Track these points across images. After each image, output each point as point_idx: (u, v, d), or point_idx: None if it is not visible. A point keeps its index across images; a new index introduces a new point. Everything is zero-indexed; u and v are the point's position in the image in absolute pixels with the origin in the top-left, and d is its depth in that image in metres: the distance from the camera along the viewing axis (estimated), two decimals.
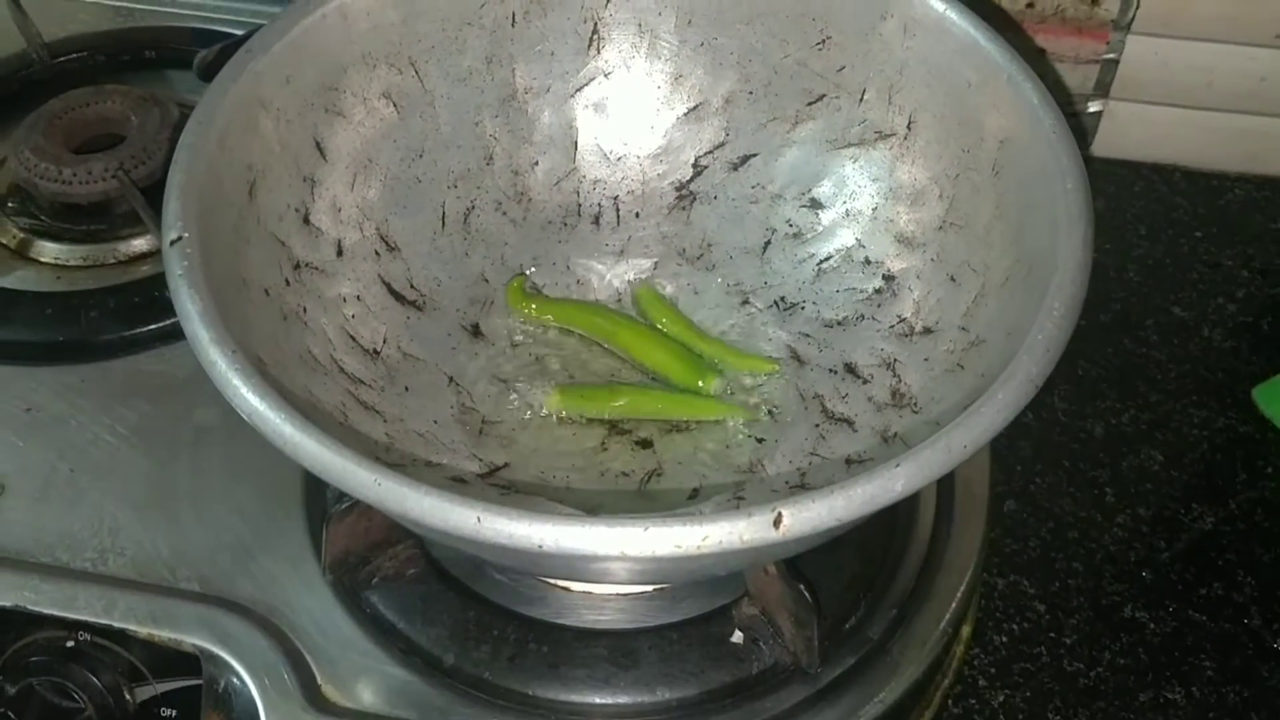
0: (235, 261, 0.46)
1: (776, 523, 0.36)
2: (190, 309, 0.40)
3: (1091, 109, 0.74)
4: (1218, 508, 0.60)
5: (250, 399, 0.38)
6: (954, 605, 0.50)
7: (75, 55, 0.70)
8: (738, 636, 0.48)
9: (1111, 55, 0.71)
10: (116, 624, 0.49)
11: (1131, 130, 0.74)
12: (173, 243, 0.42)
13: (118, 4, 0.73)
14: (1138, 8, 0.69)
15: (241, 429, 0.55)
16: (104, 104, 0.65)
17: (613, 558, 0.36)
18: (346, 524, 0.48)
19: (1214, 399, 0.64)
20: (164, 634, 0.49)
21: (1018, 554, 0.58)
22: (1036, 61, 0.71)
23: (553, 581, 0.50)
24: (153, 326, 0.59)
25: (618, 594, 0.50)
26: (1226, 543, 0.58)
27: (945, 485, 0.55)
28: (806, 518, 0.36)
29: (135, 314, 0.59)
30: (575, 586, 0.50)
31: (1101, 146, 0.75)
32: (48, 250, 0.62)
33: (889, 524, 0.53)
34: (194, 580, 0.51)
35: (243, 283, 0.46)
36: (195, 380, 0.57)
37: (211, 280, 0.42)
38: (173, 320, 0.57)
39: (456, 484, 0.47)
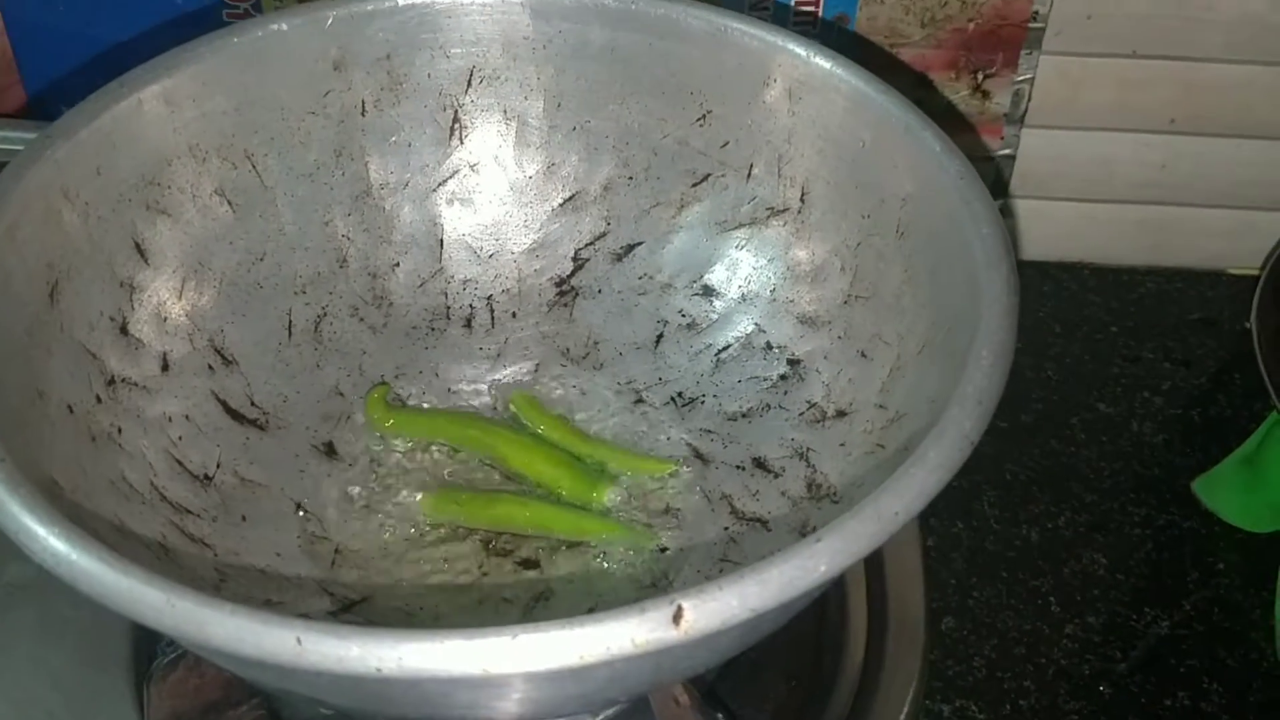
0: (28, 371, 0.39)
1: (676, 618, 0.29)
2: None
3: None
4: (1172, 610, 0.56)
5: (14, 512, 0.30)
6: None
7: None
8: None
9: (1007, 151, 0.69)
10: None
11: (1034, 229, 0.72)
12: None
13: None
14: (1029, 100, 0.67)
15: (58, 586, 0.48)
16: None
17: (474, 679, 0.28)
18: (172, 682, 0.41)
19: (1152, 495, 0.61)
20: None
21: (961, 676, 0.53)
22: None
23: None
24: None
25: None
26: (1186, 648, 0.54)
27: (877, 603, 0.49)
28: (713, 610, 0.29)
29: None
30: None
31: None
32: None
33: (816, 645, 0.47)
34: None
35: (38, 395, 0.39)
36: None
37: None
38: None
39: None
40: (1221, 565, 0.57)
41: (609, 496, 0.47)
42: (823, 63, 0.47)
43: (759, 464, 0.47)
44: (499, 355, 0.52)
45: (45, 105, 0.69)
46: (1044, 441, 0.63)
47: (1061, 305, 0.70)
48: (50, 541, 0.31)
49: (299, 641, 0.28)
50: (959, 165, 0.42)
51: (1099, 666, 0.53)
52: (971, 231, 0.40)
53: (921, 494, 0.32)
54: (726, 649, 0.35)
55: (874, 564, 0.50)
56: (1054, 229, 0.72)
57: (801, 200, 0.49)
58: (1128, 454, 0.62)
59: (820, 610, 0.49)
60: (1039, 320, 0.70)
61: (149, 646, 0.46)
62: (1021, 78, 0.66)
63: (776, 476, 0.46)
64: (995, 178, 0.70)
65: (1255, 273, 0.71)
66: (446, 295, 0.53)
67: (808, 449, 0.46)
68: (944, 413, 0.34)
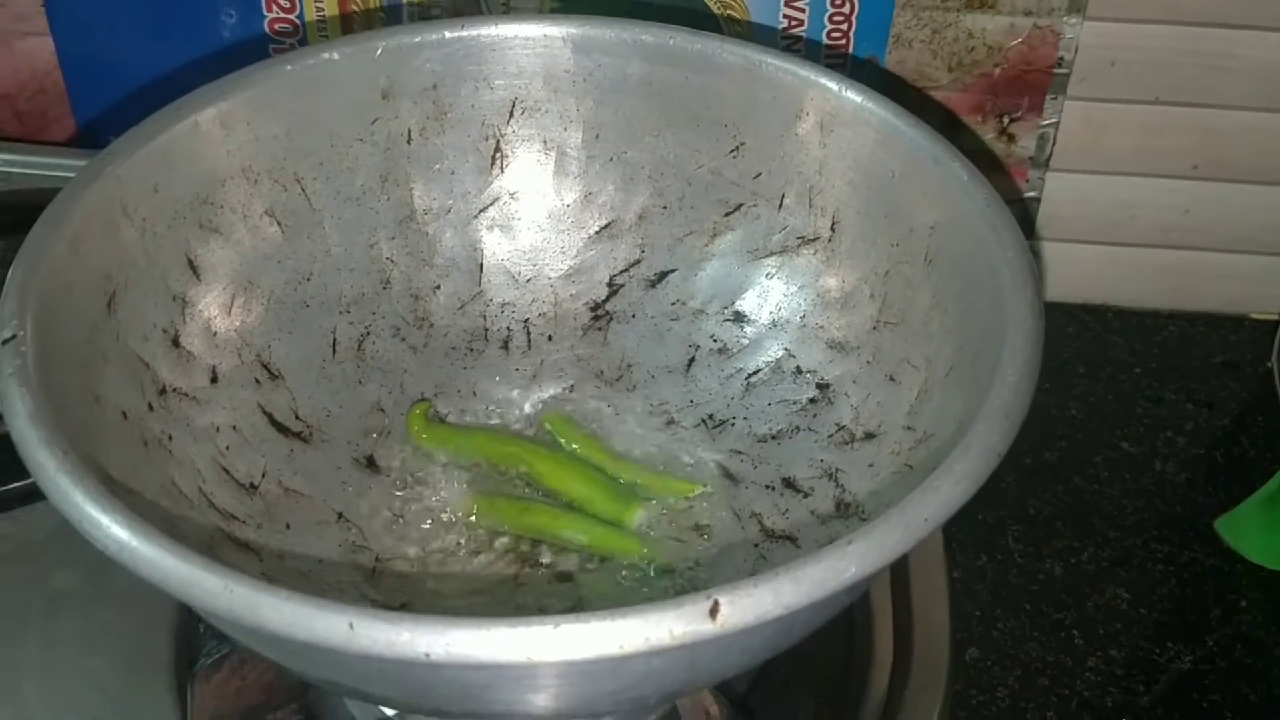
0: (87, 376, 0.41)
1: (713, 612, 0.30)
2: (19, 407, 0.35)
3: None
4: (1195, 646, 0.56)
5: (79, 501, 0.32)
6: None
7: None
8: None
9: (1033, 193, 0.70)
10: None
11: (1059, 270, 0.73)
12: (5, 342, 0.37)
13: None
14: (1054, 144, 0.68)
15: (104, 593, 0.50)
16: None
17: (518, 667, 0.29)
18: (215, 683, 0.42)
19: (1175, 533, 0.61)
20: None
21: (985, 705, 0.53)
22: None
23: None
24: (10, 486, 0.53)
25: None
26: (1209, 683, 0.54)
27: (902, 628, 0.50)
28: (748, 605, 0.30)
29: None
30: None
31: None
32: None
33: (844, 665, 0.48)
34: None
35: (95, 400, 0.41)
36: (54, 541, 0.52)
37: (52, 387, 0.37)
38: (28, 481, 0.52)
39: None
40: (1244, 603, 0.57)
41: (639, 516, 0.48)
42: (854, 96, 0.48)
43: (788, 484, 0.48)
44: (535, 376, 0.53)
45: (95, 135, 0.72)
46: (1068, 479, 0.63)
47: (1086, 346, 0.71)
48: (113, 529, 0.32)
49: (351, 626, 0.29)
50: (985, 194, 0.43)
51: (1121, 699, 0.53)
52: (998, 257, 0.41)
53: (948, 503, 0.33)
54: (759, 649, 0.35)
55: (900, 588, 0.51)
56: (1078, 271, 0.72)
57: (832, 229, 0.51)
58: (1150, 492, 0.62)
59: (847, 633, 0.49)
60: (1063, 361, 0.71)
61: (190, 652, 0.47)
62: (1046, 122, 0.67)
63: (806, 496, 0.47)
64: (1021, 219, 0.70)
65: (1277, 317, 0.72)
66: (485, 317, 0.54)
67: (836, 469, 0.47)
68: (971, 428, 0.35)
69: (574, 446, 0.51)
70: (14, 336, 0.37)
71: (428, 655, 0.29)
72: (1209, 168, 0.68)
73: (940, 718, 0.47)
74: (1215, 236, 0.70)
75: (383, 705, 0.42)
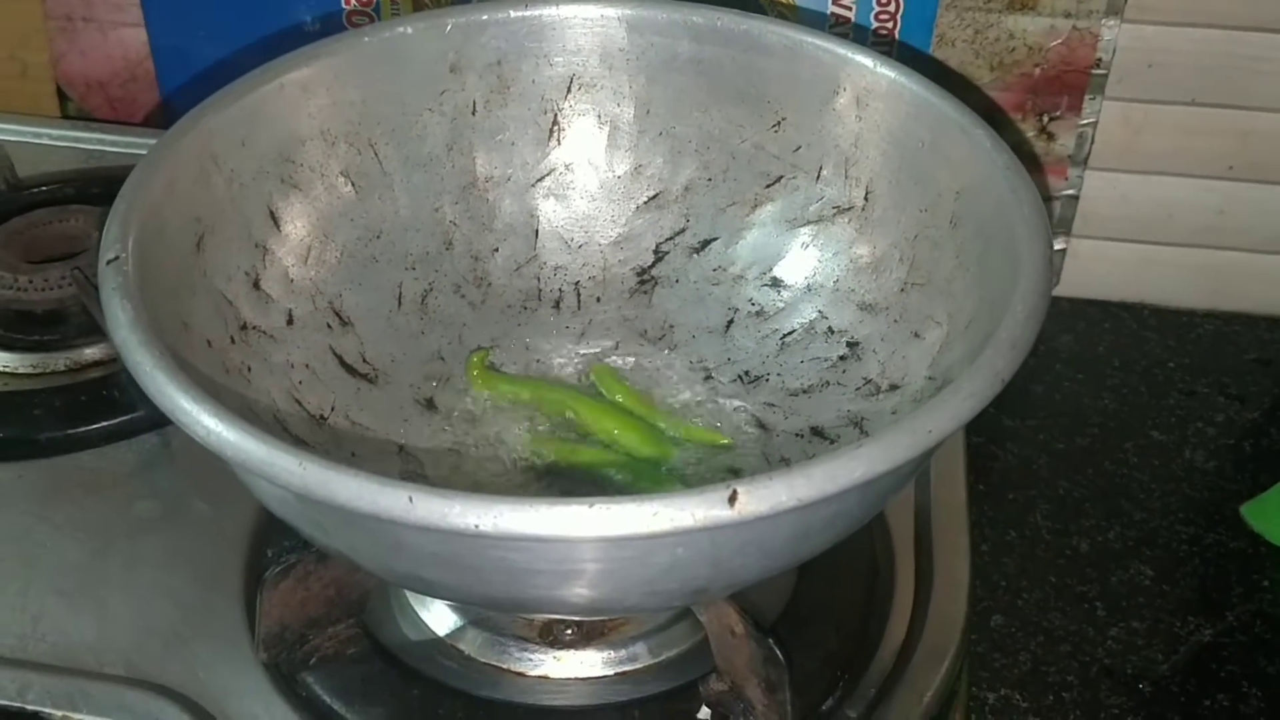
0: (177, 304, 0.45)
1: (731, 500, 0.33)
2: (121, 317, 0.39)
3: (1056, 247, 0.75)
4: (1215, 620, 0.57)
5: (172, 394, 0.36)
6: (936, 683, 0.47)
7: (44, 187, 0.70)
8: (705, 713, 0.44)
9: (1071, 191, 0.72)
10: (30, 706, 0.45)
11: (1096, 268, 0.74)
12: (109, 262, 0.41)
13: (91, 147, 0.74)
14: (1093, 142, 0.69)
15: (182, 520, 0.54)
16: (66, 222, 0.65)
17: (555, 540, 0.33)
18: (282, 591, 0.45)
19: (1201, 516, 0.62)
20: (82, 718, 0.45)
21: (1008, 668, 0.55)
22: None
23: (503, 665, 0.46)
24: (97, 425, 0.57)
25: (576, 677, 0.47)
26: (1227, 654, 0.55)
27: (923, 579, 0.52)
28: (763, 495, 0.33)
29: (79, 412, 0.57)
30: (530, 670, 0.46)
31: (1068, 286, 0.74)
32: None
33: (865, 607, 0.50)
34: (119, 665, 0.48)
35: (184, 326, 0.45)
36: (137, 475, 0.56)
37: (149, 304, 0.41)
38: (119, 419, 0.57)
39: None
40: (1266, 583, 0.58)
41: (676, 456, 0.51)
42: (888, 72, 0.52)
43: (816, 432, 0.51)
44: (583, 334, 0.57)
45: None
46: (1098, 463, 0.65)
47: (1121, 342, 0.72)
48: (202, 416, 0.36)
49: (411, 500, 0.33)
50: (1006, 159, 0.46)
51: (1141, 667, 0.55)
52: (1015, 214, 0.44)
53: (954, 417, 0.36)
54: (778, 551, 0.38)
55: (923, 541, 0.53)
56: (1115, 269, 0.74)
57: (865, 199, 0.53)
58: (1179, 477, 0.64)
59: (870, 579, 0.52)
60: (1098, 355, 0.72)
61: (258, 573, 0.50)
62: (1085, 121, 0.69)
63: (831, 442, 0.50)
64: (1059, 217, 0.72)
65: None
66: (539, 279, 0.57)
67: (861, 418, 0.50)
68: (980, 354, 0.38)
69: (616, 396, 0.54)
70: (117, 258, 0.41)
71: (477, 526, 0.33)
72: (1245, 169, 0.69)
73: (953, 668, 0.49)
74: (1251, 237, 0.71)
75: (436, 593, 0.45)
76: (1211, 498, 0.63)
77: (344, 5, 0.70)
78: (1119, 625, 0.57)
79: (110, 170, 0.73)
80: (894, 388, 0.49)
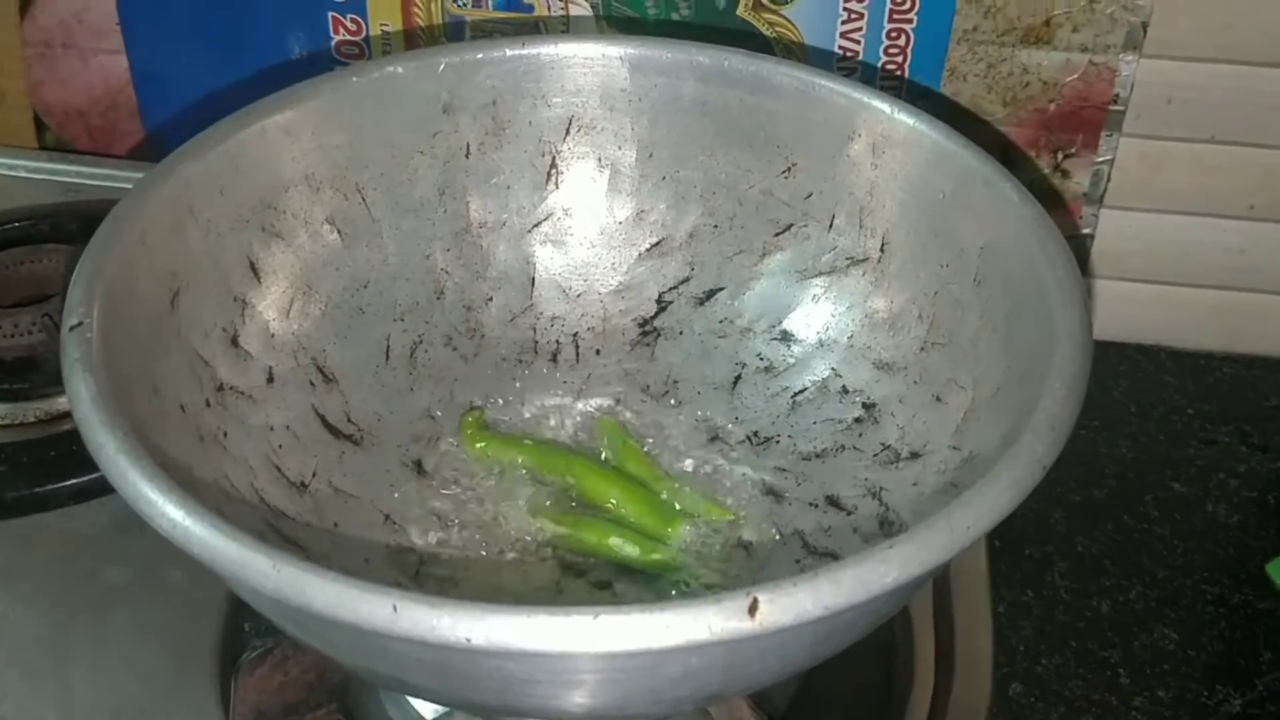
0: (148, 367, 0.42)
1: (752, 610, 0.30)
2: (83, 391, 0.36)
3: None
4: (1244, 689, 0.54)
5: (135, 480, 0.33)
6: None
7: (17, 223, 0.67)
8: None
9: (1087, 230, 0.70)
10: None
11: (1112, 309, 0.72)
12: (72, 328, 0.38)
13: (69, 180, 0.71)
14: (1109, 180, 0.67)
15: (154, 589, 0.51)
16: (39, 262, 0.63)
17: (556, 657, 0.30)
18: (259, 676, 0.42)
19: (1226, 575, 0.59)
20: None
21: None
22: None
23: None
24: (67, 483, 0.54)
25: None
26: None
27: (945, 651, 0.49)
28: (787, 604, 0.30)
29: (48, 469, 0.55)
30: None
31: None
32: None
33: (884, 688, 0.48)
34: None
35: (154, 391, 0.42)
36: (107, 537, 0.53)
37: (115, 375, 0.38)
38: (87, 477, 0.54)
39: None
40: None
41: (682, 532, 0.48)
42: (906, 119, 0.49)
43: (832, 502, 0.48)
44: (582, 389, 0.54)
45: (162, 152, 0.73)
46: (1117, 517, 0.62)
47: (1138, 386, 0.70)
48: (168, 509, 0.33)
49: (395, 609, 0.30)
50: (1035, 214, 0.44)
51: None
52: (1047, 276, 0.41)
53: (993, 511, 0.33)
54: (796, 655, 0.35)
55: (943, 614, 0.51)
56: (1132, 310, 0.71)
57: (881, 250, 0.51)
58: (1201, 533, 0.61)
59: (888, 657, 0.49)
60: (1114, 399, 0.70)
61: (235, 649, 0.47)
62: (1101, 159, 0.67)
63: (849, 514, 0.47)
64: (1075, 256, 0.70)
65: None
66: (535, 330, 0.55)
67: (880, 488, 0.47)
68: (1018, 439, 0.35)
69: (621, 456, 0.51)
70: (80, 324, 0.38)
71: (469, 640, 0.30)
72: (1266, 208, 0.67)
73: None
74: (1272, 278, 0.69)
75: (423, 697, 0.42)
76: (1236, 554, 0.60)
77: (333, 35, 0.67)
78: (1143, 695, 0.54)
79: (88, 205, 0.69)
80: (915, 456, 0.46)
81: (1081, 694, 0.54)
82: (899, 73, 0.65)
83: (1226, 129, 0.65)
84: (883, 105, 0.49)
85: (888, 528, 0.45)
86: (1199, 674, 0.55)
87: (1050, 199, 0.68)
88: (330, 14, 0.66)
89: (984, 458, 0.42)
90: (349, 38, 0.67)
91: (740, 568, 0.47)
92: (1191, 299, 0.71)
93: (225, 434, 0.45)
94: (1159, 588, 0.59)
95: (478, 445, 0.51)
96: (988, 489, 0.33)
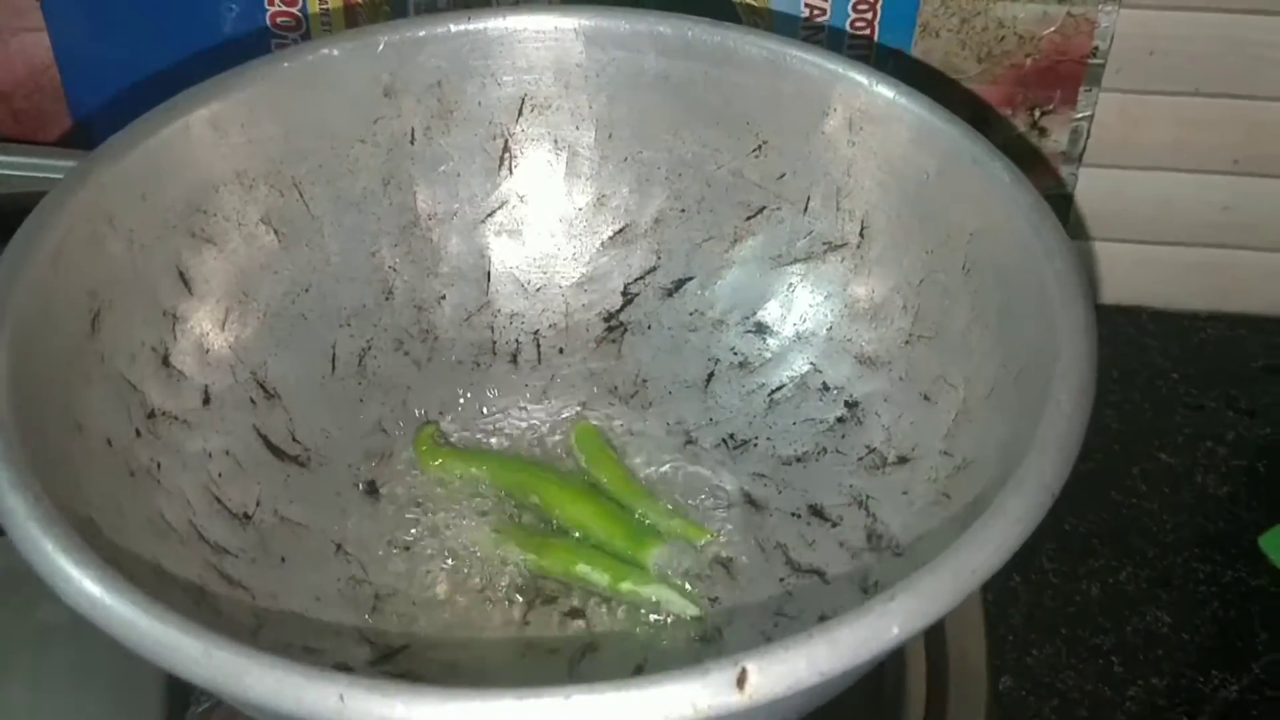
0: (67, 402, 0.38)
1: (740, 682, 0.27)
2: None
3: None
4: (1241, 673, 0.53)
5: (50, 553, 0.29)
6: None
7: None
8: None
9: (1065, 190, 0.67)
10: None
11: (1092, 271, 0.70)
12: None
13: None
14: (1088, 138, 0.65)
15: (93, 627, 0.47)
16: None
17: None
18: None
19: (1218, 551, 0.58)
20: None
21: None
22: None
23: None
24: None
25: None
26: (1257, 714, 0.51)
27: (936, 659, 0.47)
28: (779, 674, 0.27)
29: None
30: None
31: None
32: None
33: (874, 703, 0.45)
34: None
35: (76, 428, 0.38)
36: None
37: (29, 418, 0.35)
38: None
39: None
40: None
41: (657, 555, 0.45)
42: (885, 91, 0.46)
43: (815, 512, 0.46)
44: (545, 392, 0.51)
45: (92, 134, 0.69)
46: (1104, 493, 0.61)
47: (1120, 350, 0.68)
48: (84, 584, 0.29)
49: (341, 699, 0.27)
50: (1030, 197, 0.41)
51: None
52: (1045, 267, 0.38)
53: (1001, 549, 0.30)
54: (786, 716, 0.33)
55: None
56: (1112, 271, 0.70)
57: (861, 234, 0.48)
58: (1191, 507, 0.60)
59: (877, 668, 0.47)
60: (1098, 366, 0.68)
61: (182, 693, 0.44)
62: (1080, 115, 0.64)
63: (834, 525, 0.44)
64: None
65: None
66: (493, 329, 0.51)
67: (867, 496, 0.45)
68: (1022, 460, 0.32)
69: (595, 467, 0.48)
70: None
71: None
72: (1250, 162, 0.65)
73: None
74: (1256, 234, 0.68)
75: None
76: (1227, 528, 0.59)
77: (267, 7, 0.63)
78: (1138, 683, 0.52)
79: (14, 198, 0.65)
80: (903, 460, 0.44)
81: (1074, 685, 0.52)
82: (869, 30, 0.62)
83: (1210, 81, 0.63)
84: (860, 77, 0.46)
85: (876, 541, 0.43)
86: (1194, 658, 0.54)
87: (1028, 158, 0.65)
88: None
89: (979, 467, 0.40)
90: (285, 8, 0.63)
91: (720, 589, 0.44)
92: (1174, 257, 0.69)
93: (159, 466, 0.41)
94: (1149, 567, 0.57)
95: (434, 462, 0.48)
96: (994, 524, 0.30)
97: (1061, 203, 0.68)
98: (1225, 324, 0.69)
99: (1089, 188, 0.67)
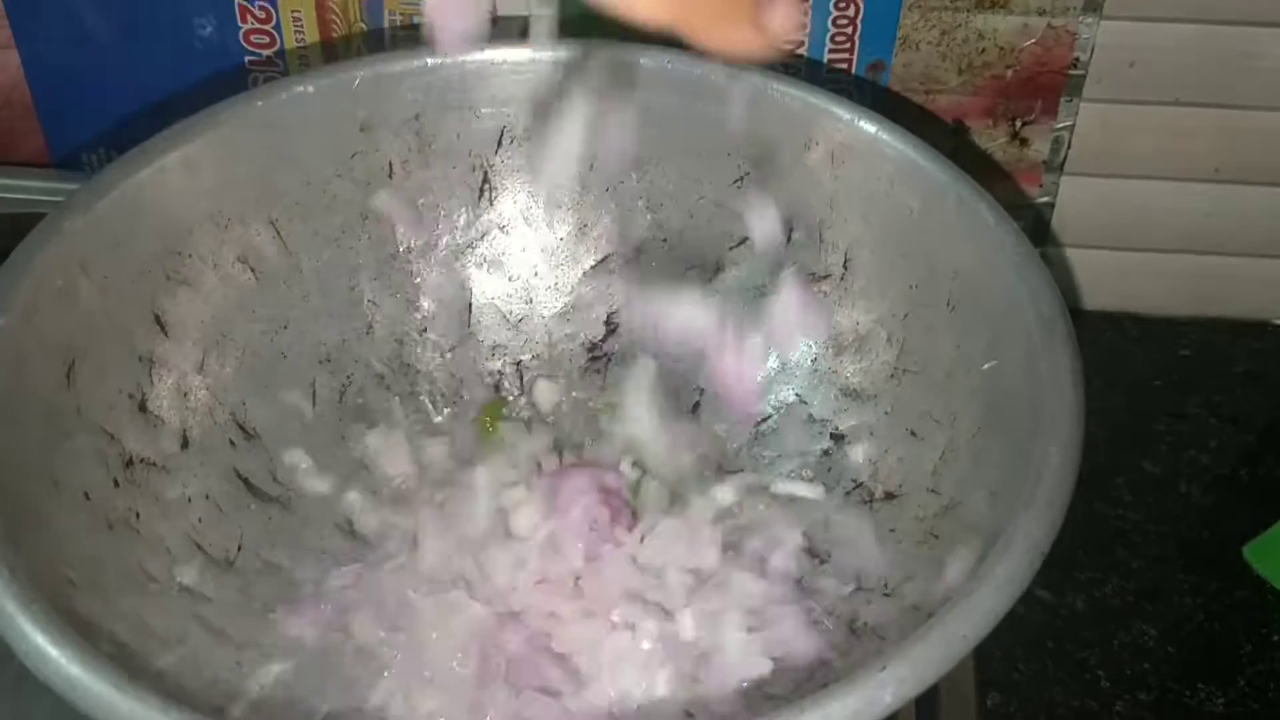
0: (43, 460, 0.38)
1: None
2: None
3: None
4: (1226, 687, 0.53)
5: (28, 632, 0.29)
6: None
7: None
8: None
9: (1046, 199, 0.67)
10: None
11: (1073, 278, 0.70)
12: None
13: None
14: (1069, 147, 0.65)
15: None
16: None
17: None
18: None
19: (1202, 562, 0.58)
20: None
21: None
22: None
23: None
24: None
25: None
26: None
27: None
28: None
29: None
30: None
31: None
32: None
33: None
34: None
35: (53, 486, 0.38)
36: None
37: (3, 483, 0.34)
38: None
39: None
40: (1276, 637, 0.54)
41: None
42: (867, 127, 0.45)
43: (803, 547, 0.45)
44: (529, 420, 0.51)
45: (64, 150, 0.68)
46: (1088, 502, 0.60)
47: (1102, 357, 0.68)
48: (67, 669, 0.29)
49: None
50: (1014, 239, 0.40)
51: None
52: (1029, 314, 0.38)
53: (991, 613, 0.30)
54: None
55: None
56: (1094, 278, 0.69)
57: (844, 267, 0.48)
58: (1175, 517, 0.60)
59: None
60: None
61: None
62: (1061, 125, 0.64)
63: (822, 562, 0.44)
64: (1034, 226, 0.68)
65: None
66: (475, 361, 0.51)
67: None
68: (1011, 520, 0.32)
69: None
70: None
71: None
72: (1231, 170, 0.65)
73: None
74: (1237, 241, 0.68)
75: None
76: (1211, 538, 0.59)
77: (240, 24, 0.62)
78: (1124, 699, 0.53)
79: None
80: (890, 497, 0.43)
81: (1061, 701, 0.52)
82: (849, 44, 0.62)
83: (1191, 90, 0.63)
84: (841, 111, 0.46)
85: (864, 578, 0.42)
86: (1180, 672, 0.54)
87: (1006, 170, 0.65)
88: (237, 1, 0.61)
89: (967, 509, 0.39)
90: (258, 26, 0.62)
91: None
92: (1156, 264, 0.69)
93: (138, 515, 0.41)
94: (1135, 579, 0.57)
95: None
96: (984, 589, 0.30)
97: (1043, 211, 0.68)
98: (1206, 329, 0.69)
99: (1071, 196, 0.67)
